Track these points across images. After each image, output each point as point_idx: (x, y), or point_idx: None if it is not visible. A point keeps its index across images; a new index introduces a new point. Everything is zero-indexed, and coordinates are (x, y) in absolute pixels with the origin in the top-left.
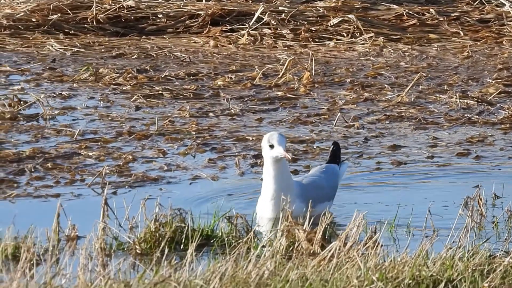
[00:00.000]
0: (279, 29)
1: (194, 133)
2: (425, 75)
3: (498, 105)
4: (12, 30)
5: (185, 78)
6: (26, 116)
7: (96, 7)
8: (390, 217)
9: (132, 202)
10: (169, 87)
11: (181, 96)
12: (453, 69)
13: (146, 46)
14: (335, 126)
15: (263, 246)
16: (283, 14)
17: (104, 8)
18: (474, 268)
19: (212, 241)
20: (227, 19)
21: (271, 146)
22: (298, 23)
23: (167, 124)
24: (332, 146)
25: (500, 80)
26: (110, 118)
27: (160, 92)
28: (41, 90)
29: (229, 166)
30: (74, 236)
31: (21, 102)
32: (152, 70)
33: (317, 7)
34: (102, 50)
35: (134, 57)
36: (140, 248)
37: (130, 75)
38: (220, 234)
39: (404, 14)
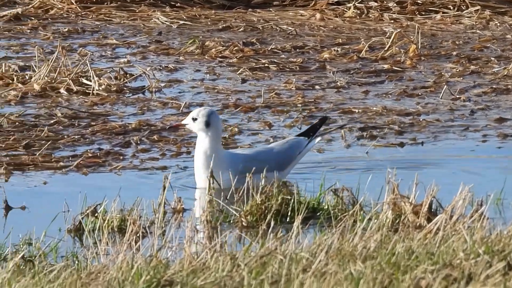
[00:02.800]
0: (385, 2)
1: (300, 105)
2: None
3: None
4: (119, 3)
5: (291, 51)
6: (132, 88)
7: None
8: (496, 190)
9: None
10: (275, 60)
11: (287, 69)
12: None
13: (253, 19)
14: (441, 99)
15: (369, 219)
16: None
17: None
18: None
19: (318, 214)
20: None
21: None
22: None
23: (273, 97)
24: (318, 119)
25: None
26: (216, 90)
27: (266, 65)
28: (147, 63)
29: (335, 139)
30: (180, 208)
31: (127, 75)
32: (258, 43)
33: None
34: (208, 23)
35: (240, 30)
36: (246, 220)
37: (236, 48)
38: (326, 207)
39: None
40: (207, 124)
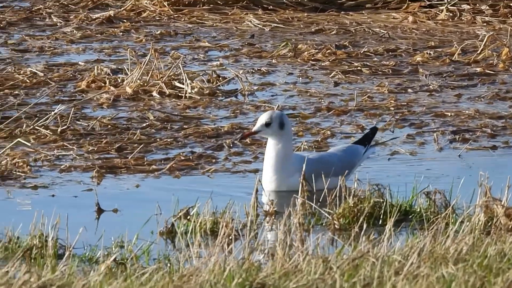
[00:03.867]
0: (478, 5)
1: (392, 108)
2: None
3: None
4: (211, 5)
5: (384, 54)
6: (225, 91)
7: None
8: None
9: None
10: (367, 63)
11: (380, 72)
12: None
13: (345, 21)
14: None
15: (461, 222)
16: None
17: None
18: None
19: (410, 216)
20: None
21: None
22: None
23: (365, 100)
24: (370, 129)
25: None
26: (308, 94)
27: (358, 68)
28: (239, 65)
29: (427, 142)
30: (272, 211)
31: (220, 78)
32: (350, 46)
33: None
34: (301, 26)
35: (332, 33)
36: (338, 223)
37: (329, 51)
38: (418, 209)
39: None
40: (282, 126)
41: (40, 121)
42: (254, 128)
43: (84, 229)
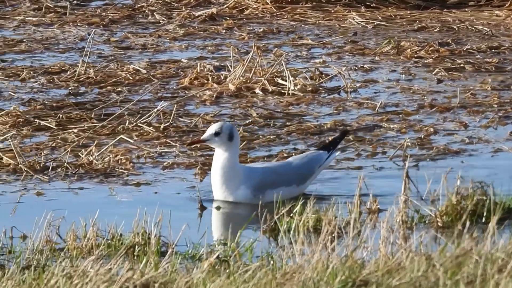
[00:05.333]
0: None
1: (495, 106)
2: None
3: None
4: (314, 3)
5: (487, 51)
6: (328, 89)
7: None
8: None
9: (433, 175)
10: (470, 60)
11: (483, 69)
12: None
13: (448, 19)
14: None
15: None
16: None
17: None
18: None
19: None
20: None
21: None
22: None
23: (468, 97)
24: (340, 132)
25: None
26: (411, 91)
27: (461, 65)
28: (342, 63)
29: None
30: (376, 209)
31: (323, 75)
32: (453, 43)
33: None
34: (404, 23)
35: (435, 30)
36: (441, 221)
37: (432, 48)
38: None
39: None
40: (230, 137)
41: (143, 118)
42: (203, 136)
43: (187, 226)
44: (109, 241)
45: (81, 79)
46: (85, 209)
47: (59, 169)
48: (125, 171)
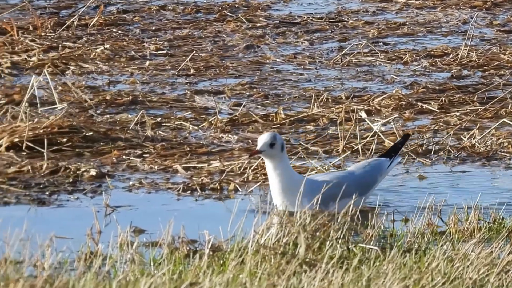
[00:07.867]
0: None
1: None
2: None
3: None
4: None
5: None
6: None
7: None
8: None
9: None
10: None
11: None
12: None
13: None
14: None
15: None
16: None
17: None
18: None
19: None
20: None
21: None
22: None
23: None
24: (401, 137)
25: None
26: None
27: None
28: None
29: None
30: None
31: None
32: None
33: None
34: None
35: None
36: None
37: None
38: None
39: None
40: (282, 148)
41: None
42: (259, 147)
43: None
44: (491, 224)
45: (463, 62)
46: (466, 193)
47: (441, 152)
48: (507, 155)
